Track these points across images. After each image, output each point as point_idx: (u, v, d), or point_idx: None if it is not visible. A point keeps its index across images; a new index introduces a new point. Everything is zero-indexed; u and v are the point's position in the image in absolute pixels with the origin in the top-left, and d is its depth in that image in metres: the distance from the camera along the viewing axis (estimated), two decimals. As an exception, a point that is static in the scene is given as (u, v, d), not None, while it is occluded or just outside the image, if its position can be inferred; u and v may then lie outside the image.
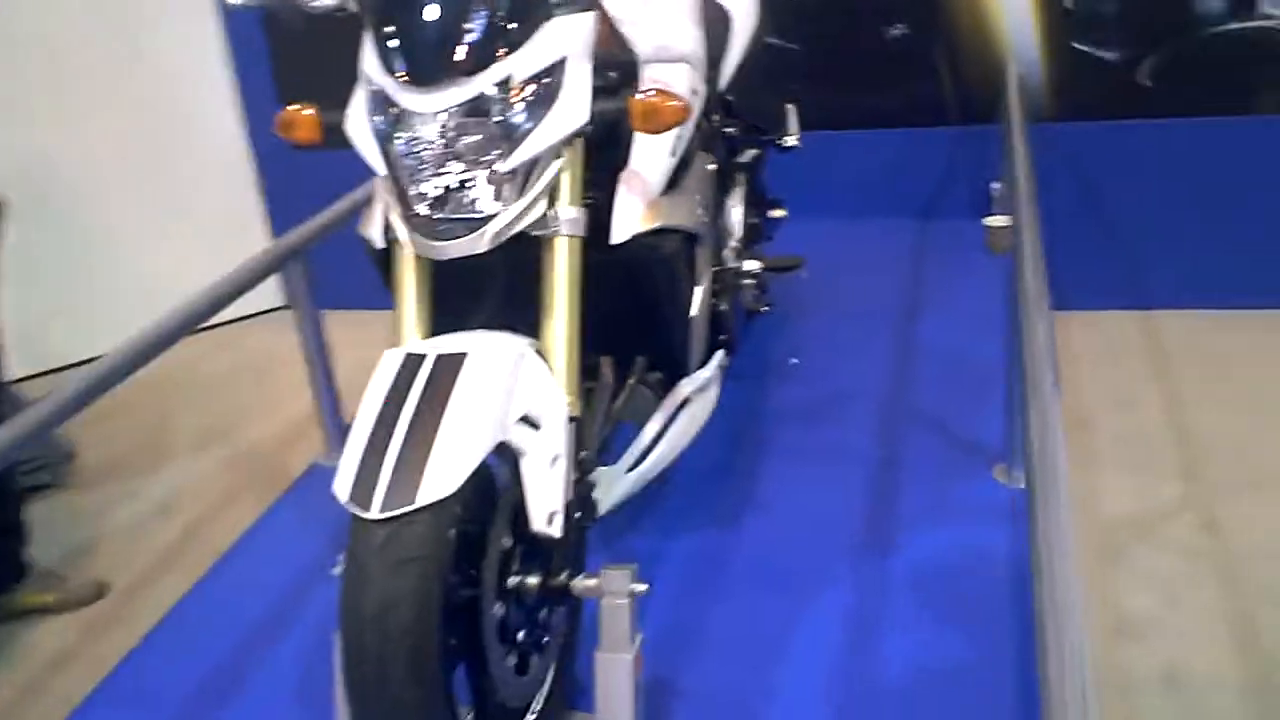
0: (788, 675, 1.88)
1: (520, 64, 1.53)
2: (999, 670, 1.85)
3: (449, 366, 1.51)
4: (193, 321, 2.23)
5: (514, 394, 1.51)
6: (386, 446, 1.44)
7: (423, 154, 1.54)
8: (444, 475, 1.41)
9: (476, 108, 1.52)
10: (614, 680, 1.60)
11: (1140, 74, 3.47)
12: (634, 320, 1.83)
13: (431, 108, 1.53)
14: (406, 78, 1.54)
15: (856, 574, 2.10)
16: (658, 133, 1.60)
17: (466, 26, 1.52)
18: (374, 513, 1.39)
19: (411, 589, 1.39)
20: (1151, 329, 3.51)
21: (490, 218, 1.55)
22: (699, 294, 1.92)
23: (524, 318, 1.65)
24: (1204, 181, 3.49)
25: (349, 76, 1.66)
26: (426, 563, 1.41)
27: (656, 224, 1.74)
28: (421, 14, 1.54)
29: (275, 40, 3.97)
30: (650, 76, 1.82)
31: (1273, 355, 3.31)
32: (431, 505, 1.40)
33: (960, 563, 2.11)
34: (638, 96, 1.58)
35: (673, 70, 1.87)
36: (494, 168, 1.53)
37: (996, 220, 3.47)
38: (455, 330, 1.64)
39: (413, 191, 1.56)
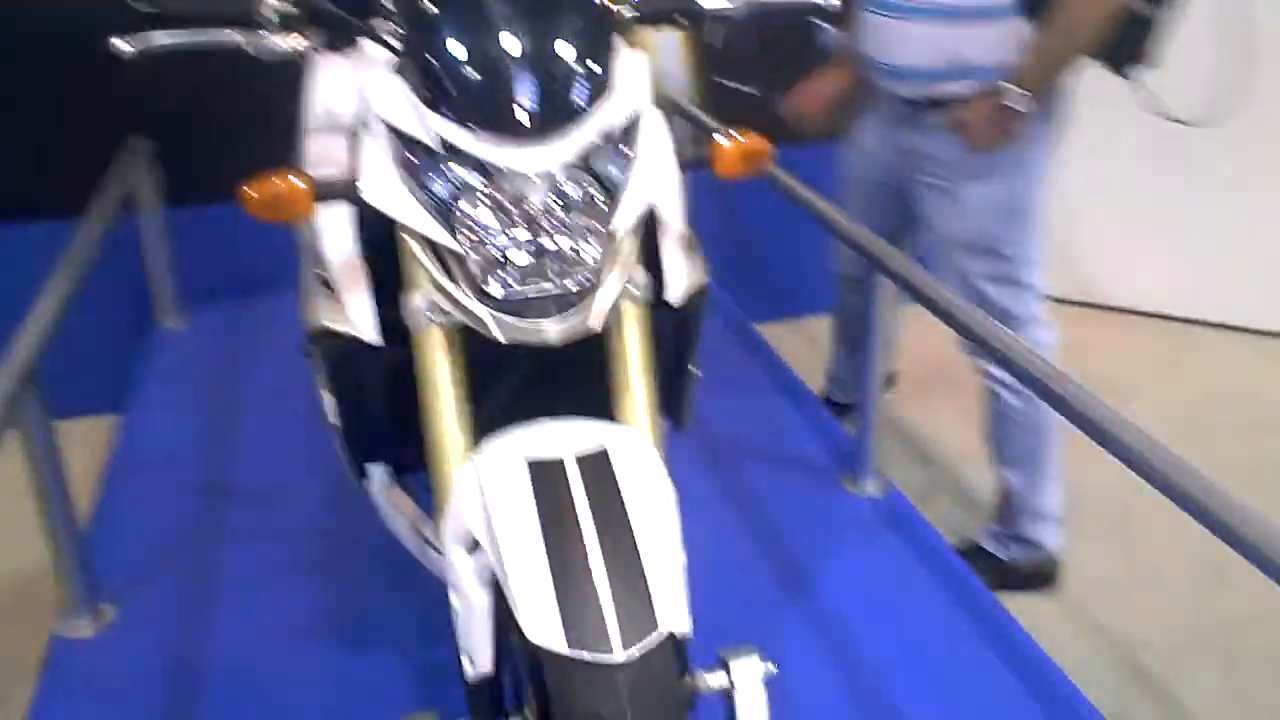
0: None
1: (615, 110, 1.32)
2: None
3: (597, 470, 1.27)
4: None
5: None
6: (588, 574, 1.18)
7: (514, 220, 1.28)
8: (671, 596, 1.20)
9: (582, 163, 1.30)
10: (765, 776, 1.43)
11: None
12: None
13: (536, 165, 1.26)
14: (490, 129, 1.26)
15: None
16: (742, 178, 1.46)
17: (567, 63, 1.29)
18: (619, 654, 1.14)
19: None
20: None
21: (593, 289, 1.33)
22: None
23: (583, 397, 1.44)
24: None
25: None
26: (678, 702, 1.20)
27: (704, 280, 1.59)
28: (508, 51, 1.27)
29: None
30: None
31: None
32: (670, 635, 1.18)
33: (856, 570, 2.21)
34: (721, 140, 1.43)
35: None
36: (604, 231, 1.31)
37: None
38: (503, 423, 1.38)
39: (498, 265, 1.29)
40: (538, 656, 1.17)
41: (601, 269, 1.33)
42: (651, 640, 1.16)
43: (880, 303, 2.26)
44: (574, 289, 1.31)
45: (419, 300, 1.36)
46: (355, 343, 1.48)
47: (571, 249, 1.30)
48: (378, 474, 1.74)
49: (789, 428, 2.72)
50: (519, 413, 1.38)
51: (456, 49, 1.28)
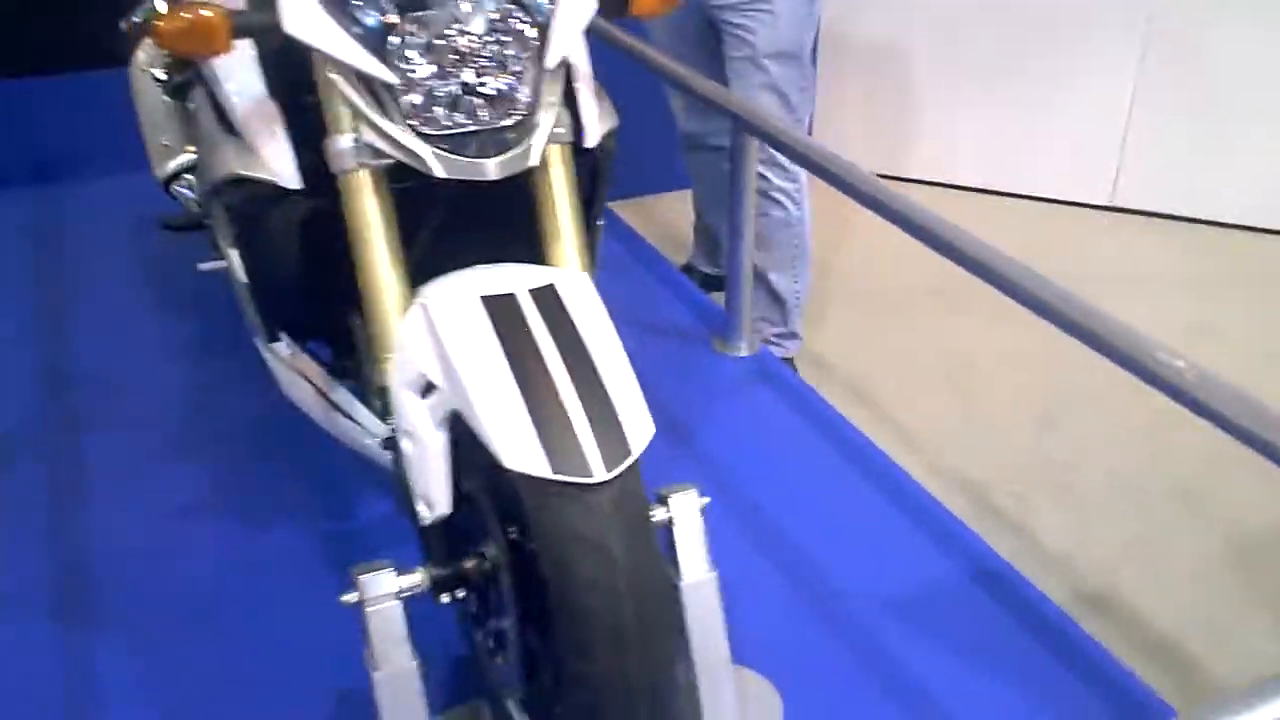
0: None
1: None
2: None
3: (548, 302, 1.28)
4: None
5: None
6: (557, 399, 1.19)
7: (448, 52, 1.25)
8: (637, 416, 1.23)
9: None
10: (704, 604, 1.49)
11: None
12: None
13: None
14: None
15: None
16: (657, 15, 1.47)
17: None
18: (600, 474, 1.16)
19: (651, 546, 1.22)
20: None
21: (526, 126, 1.32)
22: None
23: (505, 243, 1.44)
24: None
25: None
26: (649, 521, 1.24)
27: (615, 124, 1.59)
28: None
29: None
30: None
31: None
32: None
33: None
34: None
35: None
36: (536, 65, 1.30)
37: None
38: (427, 271, 1.37)
39: (432, 100, 1.26)
40: (515, 484, 1.18)
41: (535, 104, 1.32)
42: (626, 461, 1.19)
43: (746, 163, 2.31)
44: (509, 124, 1.30)
45: (345, 142, 1.32)
46: (272, 188, 1.42)
47: (506, 83, 1.29)
48: (284, 338, 1.69)
49: (655, 299, 2.77)
50: (441, 261, 1.37)
51: None
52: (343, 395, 1.72)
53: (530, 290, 1.28)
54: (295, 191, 1.43)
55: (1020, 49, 3.88)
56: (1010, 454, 2.70)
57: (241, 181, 1.43)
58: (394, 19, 1.24)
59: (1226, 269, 3.65)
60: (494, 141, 1.30)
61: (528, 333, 1.24)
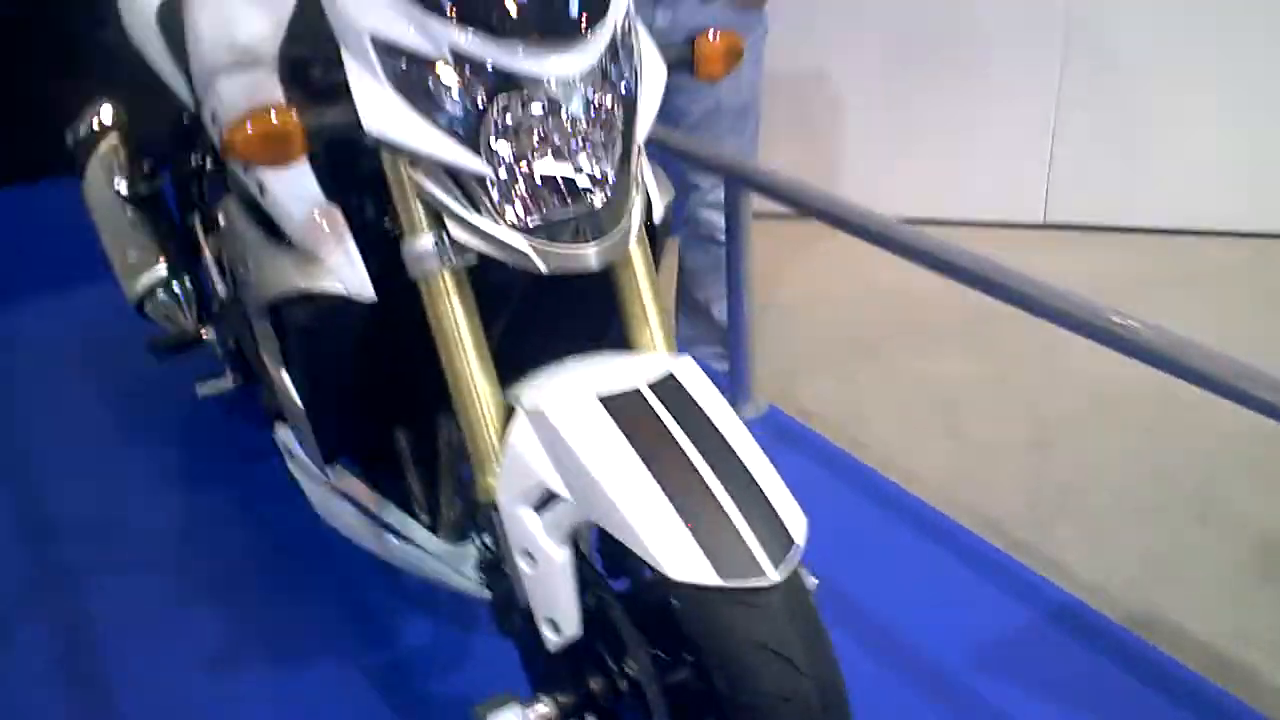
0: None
1: (619, 9, 1.21)
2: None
3: (673, 395, 1.21)
4: None
5: None
6: (711, 499, 1.12)
7: (542, 136, 1.17)
8: (790, 506, 1.16)
9: (604, 70, 1.20)
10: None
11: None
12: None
13: (571, 70, 1.16)
14: (515, 34, 1.13)
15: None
16: (723, 78, 1.40)
17: None
18: (772, 575, 1.09)
19: (829, 645, 1.14)
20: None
21: (617, 208, 1.24)
22: None
23: (583, 330, 1.37)
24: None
25: None
26: (817, 610, 1.16)
27: (673, 196, 1.51)
28: None
29: None
30: None
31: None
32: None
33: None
34: (706, 36, 1.35)
35: None
36: (625, 143, 1.23)
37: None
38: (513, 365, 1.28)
39: (526, 188, 1.18)
40: (673, 596, 1.10)
41: (624, 184, 1.25)
42: (793, 555, 1.12)
43: (741, 218, 2.28)
44: (599, 207, 1.22)
45: (426, 243, 1.22)
46: (340, 302, 1.32)
47: (598, 165, 1.21)
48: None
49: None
50: (520, 355, 1.29)
51: None
52: (394, 515, 1.62)
53: (651, 384, 1.20)
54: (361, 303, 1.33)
55: (940, 75, 3.92)
56: (1016, 484, 2.69)
57: (306, 297, 1.32)
58: (482, 103, 1.14)
59: (1162, 273, 3.74)
60: (589, 227, 1.21)
61: (662, 431, 1.16)
